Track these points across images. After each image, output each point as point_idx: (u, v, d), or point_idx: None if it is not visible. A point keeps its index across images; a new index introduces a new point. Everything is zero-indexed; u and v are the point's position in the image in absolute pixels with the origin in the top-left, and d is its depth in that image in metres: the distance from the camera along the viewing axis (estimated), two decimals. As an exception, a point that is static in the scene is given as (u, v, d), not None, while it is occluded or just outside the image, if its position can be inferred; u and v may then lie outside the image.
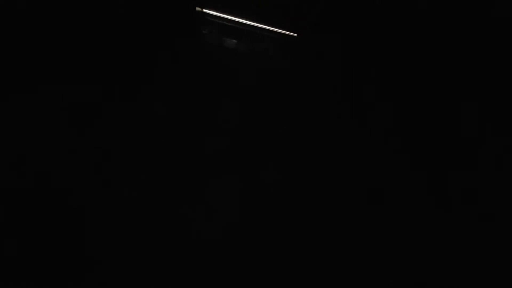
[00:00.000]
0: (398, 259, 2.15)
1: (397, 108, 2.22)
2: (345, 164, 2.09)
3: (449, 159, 2.20)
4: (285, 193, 2.00)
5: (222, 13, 1.94)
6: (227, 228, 1.91)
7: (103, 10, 1.77)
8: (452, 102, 2.21)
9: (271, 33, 2.01)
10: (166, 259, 1.81)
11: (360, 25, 2.13)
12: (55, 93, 1.72)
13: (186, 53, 1.89)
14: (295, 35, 2.01)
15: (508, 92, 2.16)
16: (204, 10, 1.88)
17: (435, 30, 2.19)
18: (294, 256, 1.99)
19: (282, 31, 2.01)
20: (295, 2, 1.95)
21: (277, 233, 2.05)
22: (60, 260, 1.75)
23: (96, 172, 1.74)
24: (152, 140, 1.83)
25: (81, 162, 1.74)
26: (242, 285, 1.87)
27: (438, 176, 2.19)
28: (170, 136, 1.85)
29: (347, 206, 2.10)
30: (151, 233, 1.81)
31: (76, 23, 1.76)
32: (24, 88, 1.70)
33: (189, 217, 1.85)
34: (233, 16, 1.96)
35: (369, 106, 2.12)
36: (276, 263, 1.97)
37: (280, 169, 1.98)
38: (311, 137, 2.04)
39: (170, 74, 1.86)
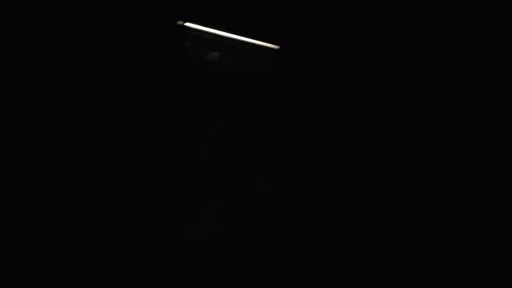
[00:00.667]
0: (392, 263, 2.15)
1: (393, 112, 2.22)
2: (334, 171, 2.11)
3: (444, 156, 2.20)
4: (275, 204, 2.02)
5: (204, 27, 1.96)
6: (217, 240, 1.93)
7: (86, 23, 1.77)
8: (451, 102, 2.21)
9: (253, 45, 2.03)
10: (151, 271, 1.82)
11: (346, 35, 2.14)
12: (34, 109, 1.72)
13: (169, 67, 1.91)
14: (277, 47, 2.03)
15: (508, 92, 2.16)
16: (186, 24, 1.90)
17: (435, 30, 2.19)
18: (285, 264, 2.01)
19: (264, 43, 2.03)
20: (277, 14, 1.98)
21: (268, 242, 2.05)
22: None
23: (81, 187, 1.75)
24: (139, 153, 1.84)
25: (68, 175, 1.74)
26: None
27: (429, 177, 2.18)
28: (156, 150, 1.87)
29: (339, 215, 2.11)
30: (137, 246, 1.82)
31: (56, 40, 1.76)
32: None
33: (178, 230, 1.87)
34: (215, 29, 1.98)
35: (355, 114, 2.14)
36: (266, 271, 1.98)
37: (270, 180, 2.01)
38: (297, 146, 2.06)
39: (153, 88, 1.88)
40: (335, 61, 2.09)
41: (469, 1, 2.14)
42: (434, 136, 2.21)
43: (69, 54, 1.76)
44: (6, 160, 1.66)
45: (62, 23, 1.76)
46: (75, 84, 1.77)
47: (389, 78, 2.22)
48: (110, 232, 1.79)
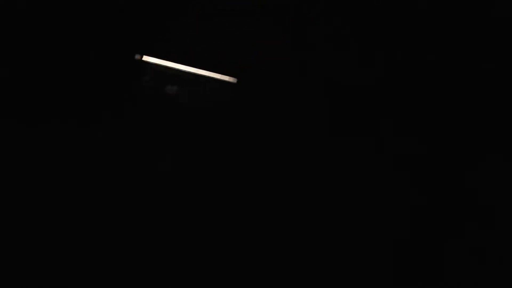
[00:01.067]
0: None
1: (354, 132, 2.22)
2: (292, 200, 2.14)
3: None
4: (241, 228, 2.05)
5: (162, 60, 1.98)
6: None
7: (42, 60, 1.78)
8: (451, 103, 2.21)
9: (211, 78, 2.07)
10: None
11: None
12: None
13: (127, 100, 1.93)
14: (235, 80, 2.07)
15: (508, 92, 2.16)
16: (143, 58, 1.92)
17: (435, 30, 2.19)
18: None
19: (222, 76, 2.07)
20: (235, 47, 2.02)
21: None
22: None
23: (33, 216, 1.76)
24: (95, 188, 1.87)
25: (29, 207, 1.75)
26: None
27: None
28: (113, 184, 1.89)
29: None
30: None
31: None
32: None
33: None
34: (173, 62, 2.00)
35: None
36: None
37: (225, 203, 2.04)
38: (252, 180, 2.09)
39: (111, 121, 1.90)
40: (295, 94, 2.13)
41: (469, 1, 2.14)
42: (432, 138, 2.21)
43: (34, 84, 1.78)
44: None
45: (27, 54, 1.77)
46: (40, 113, 1.77)
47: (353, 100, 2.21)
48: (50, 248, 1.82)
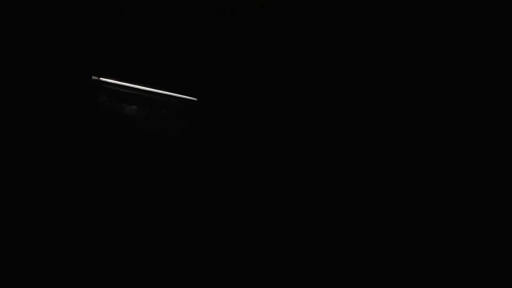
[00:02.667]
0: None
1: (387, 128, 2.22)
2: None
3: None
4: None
5: (120, 81, 1.96)
6: None
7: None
8: (451, 103, 2.21)
9: (170, 98, 2.06)
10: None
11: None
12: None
13: (83, 121, 1.90)
14: (195, 99, 2.07)
15: (509, 92, 2.16)
16: (101, 78, 1.92)
17: (435, 30, 2.19)
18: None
19: (181, 95, 2.06)
20: (194, 68, 2.04)
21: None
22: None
23: None
24: (52, 214, 1.85)
25: None
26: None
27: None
28: (72, 210, 1.88)
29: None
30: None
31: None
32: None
33: None
34: (131, 83, 1.99)
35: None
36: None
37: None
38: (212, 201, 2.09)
39: (67, 143, 1.88)
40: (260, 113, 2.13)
41: (469, 1, 2.14)
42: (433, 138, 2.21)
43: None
44: None
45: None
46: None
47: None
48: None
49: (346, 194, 2.16)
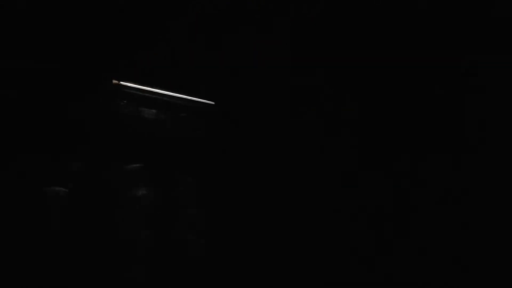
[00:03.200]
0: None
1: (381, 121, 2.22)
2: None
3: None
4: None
5: (140, 85, 1.97)
6: None
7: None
8: (450, 102, 2.21)
9: (188, 102, 2.07)
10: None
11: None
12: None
13: (105, 126, 1.90)
14: (213, 103, 2.08)
15: (508, 92, 2.16)
16: (121, 82, 1.91)
17: (435, 30, 2.19)
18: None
19: (199, 99, 2.07)
20: (212, 70, 2.05)
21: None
22: None
23: None
24: (69, 219, 1.84)
25: None
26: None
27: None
28: (86, 215, 1.87)
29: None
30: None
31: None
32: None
33: None
34: (150, 87, 1.99)
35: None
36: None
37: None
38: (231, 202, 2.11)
39: (89, 147, 1.87)
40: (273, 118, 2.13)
41: (469, 1, 2.14)
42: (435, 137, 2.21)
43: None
44: None
45: None
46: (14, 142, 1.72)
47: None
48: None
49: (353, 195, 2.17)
